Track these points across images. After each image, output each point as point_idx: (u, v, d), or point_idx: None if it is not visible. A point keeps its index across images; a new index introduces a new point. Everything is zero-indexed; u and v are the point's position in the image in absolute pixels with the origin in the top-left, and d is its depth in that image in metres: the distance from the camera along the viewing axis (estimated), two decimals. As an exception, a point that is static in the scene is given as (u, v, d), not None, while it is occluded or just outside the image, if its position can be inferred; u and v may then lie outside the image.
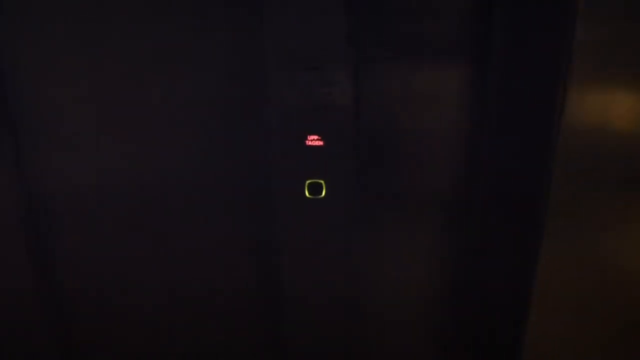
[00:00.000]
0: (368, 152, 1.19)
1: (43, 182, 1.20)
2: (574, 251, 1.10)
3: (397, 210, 1.24)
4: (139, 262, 1.28)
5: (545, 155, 1.03)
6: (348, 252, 1.24)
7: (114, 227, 1.24)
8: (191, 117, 1.17)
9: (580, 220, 1.07)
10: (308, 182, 1.18)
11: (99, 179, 1.20)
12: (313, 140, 1.16)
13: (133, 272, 1.29)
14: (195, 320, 1.35)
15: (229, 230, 1.26)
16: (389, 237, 1.26)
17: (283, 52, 1.08)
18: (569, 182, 1.03)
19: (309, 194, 1.19)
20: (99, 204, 1.22)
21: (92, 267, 1.28)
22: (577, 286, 1.13)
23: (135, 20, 1.10)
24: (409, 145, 1.18)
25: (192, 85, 1.15)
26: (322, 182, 1.18)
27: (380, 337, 1.35)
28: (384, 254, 1.27)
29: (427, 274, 1.30)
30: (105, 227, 1.24)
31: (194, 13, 1.10)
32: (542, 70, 1.02)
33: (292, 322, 1.30)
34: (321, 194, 1.18)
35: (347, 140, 1.14)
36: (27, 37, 1.11)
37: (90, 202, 1.21)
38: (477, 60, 1.11)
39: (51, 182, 1.20)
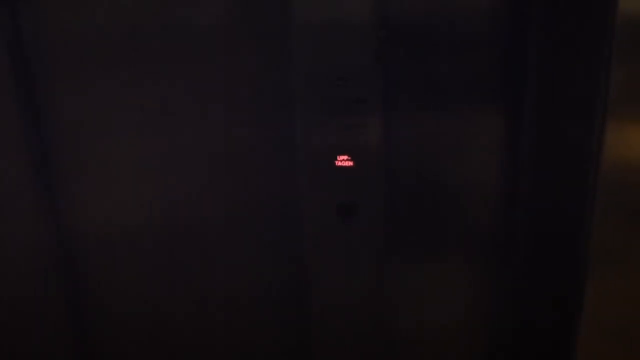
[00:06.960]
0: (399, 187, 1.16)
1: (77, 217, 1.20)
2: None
3: (427, 244, 1.21)
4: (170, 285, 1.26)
5: (585, 196, 0.99)
6: (379, 281, 1.20)
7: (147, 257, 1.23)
8: (221, 146, 1.15)
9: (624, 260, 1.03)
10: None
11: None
12: (343, 161, 1.16)
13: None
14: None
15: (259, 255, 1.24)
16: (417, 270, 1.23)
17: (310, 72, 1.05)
18: (611, 223, 0.99)
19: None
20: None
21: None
22: (624, 326, 1.08)
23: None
24: (440, 185, 1.16)
25: (224, 120, 1.14)
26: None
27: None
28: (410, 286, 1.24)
29: (461, 311, 1.26)
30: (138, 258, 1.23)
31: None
32: (579, 110, 1.00)
33: (319, 350, 1.26)
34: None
35: (378, 161, 1.12)
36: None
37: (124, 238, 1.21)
38: (512, 101, 1.10)
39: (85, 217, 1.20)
